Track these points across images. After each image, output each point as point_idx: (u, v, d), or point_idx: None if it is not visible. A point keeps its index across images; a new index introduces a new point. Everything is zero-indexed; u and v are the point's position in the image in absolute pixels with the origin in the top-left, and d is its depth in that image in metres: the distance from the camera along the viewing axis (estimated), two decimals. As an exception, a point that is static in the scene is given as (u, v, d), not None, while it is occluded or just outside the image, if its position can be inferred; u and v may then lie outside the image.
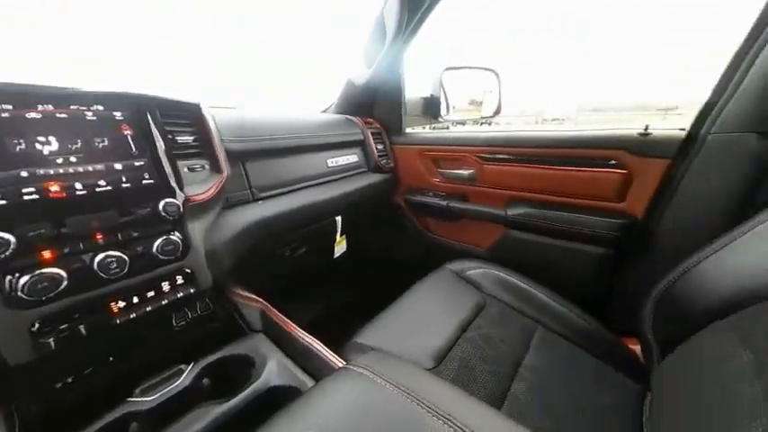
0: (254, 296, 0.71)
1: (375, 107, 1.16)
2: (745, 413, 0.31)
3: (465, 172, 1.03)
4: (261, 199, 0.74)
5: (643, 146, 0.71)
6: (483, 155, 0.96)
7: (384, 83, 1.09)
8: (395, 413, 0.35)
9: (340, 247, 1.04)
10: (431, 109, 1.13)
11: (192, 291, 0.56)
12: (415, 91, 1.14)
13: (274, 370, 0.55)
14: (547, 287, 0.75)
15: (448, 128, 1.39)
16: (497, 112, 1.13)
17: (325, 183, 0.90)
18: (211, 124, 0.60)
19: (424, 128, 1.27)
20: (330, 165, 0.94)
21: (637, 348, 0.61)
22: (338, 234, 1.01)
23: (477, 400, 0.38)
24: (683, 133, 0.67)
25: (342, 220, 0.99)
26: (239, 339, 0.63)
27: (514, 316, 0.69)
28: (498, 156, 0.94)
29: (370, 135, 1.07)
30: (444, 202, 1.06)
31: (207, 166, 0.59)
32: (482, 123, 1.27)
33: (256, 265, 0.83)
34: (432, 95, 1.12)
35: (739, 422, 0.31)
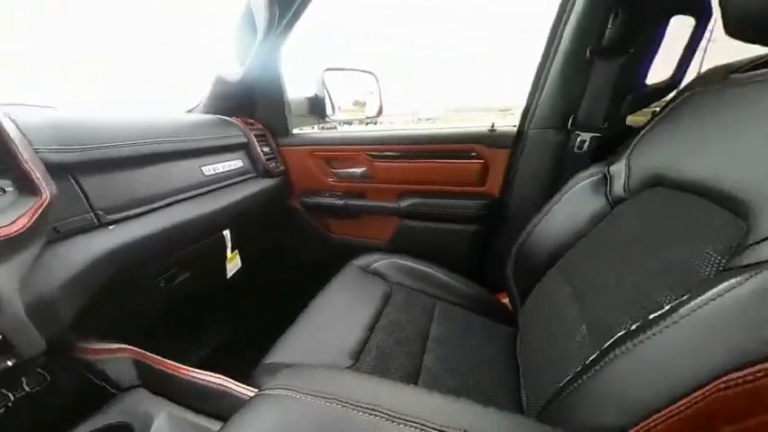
0: (119, 345, 0.56)
1: (256, 107, 1.07)
2: (569, 328, 0.44)
3: (358, 170, 1.07)
4: (111, 223, 0.57)
5: (492, 140, 0.89)
6: (373, 153, 1.02)
7: (262, 81, 1.01)
8: (321, 422, 0.34)
9: (233, 264, 0.93)
10: (317, 109, 1.11)
11: (9, 363, 0.40)
12: (299, 90, 1.11)
13: (165, 428, 0.45)
14: (439, 265, 0.86)
15: (335, 128, 1.40)
16: (380, 112, 1.21)
17: (203, 194, 0.78)
18: (8, 127, 0.43)
19: (312, 128, 1.25)
20: (208, 173, 0.81)
21: (507, 300, 0.77)
22: (229, 250, 0.89)
23: (395, 382, 0.41)
24: (515, 129, 0.87)
25: (232, 233, 0.88)
26: (107, 406, 0.49)
27: (418, 297, 0.77)
28: (386, 153, 1.01)
29: (253, 137, 0.98)
30: (341, 201, 1.08)
31: (11, 188, 0.43)
32: (368, 123, 1.34)
33: (117, 305, 0.66)
34: (316, 95, 1.11)
35: (568, 335, 0.43)
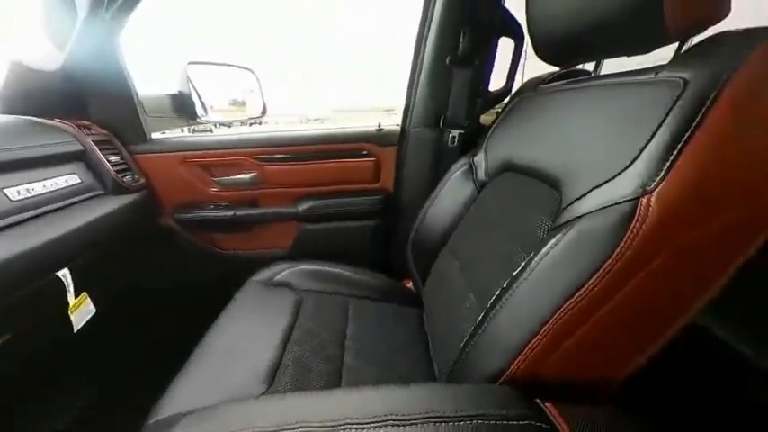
0: None
1: (90, 106, 0.84)
2: (461, 297, 0.52)
3: (246, 176, 0.97)
4: None
5: (380, 138, 0.95)
6: (262, 156, 0.94)
7: (96, 73, 0.80)
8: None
9: (82, 311, 0.71)
10: (184, 109, 0.95)
11: None
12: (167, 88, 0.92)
13: None
14: (346, 264, 0.87)
15: (211, 130, 1.23)
16: (264, 112, 1.12)
17: (12, 226, 0.56)
18: None
19: (182, 131, 1.06)
20: (15, 197, 0.59)
21: (411, 284, 0.84)
22: (71, 295, 0.67)
23: (317, 392, 0.40)
24: (399, 128, 0.96)
25: (76, 272, 0.67)
26: None
27: (330, 299, 0.76)
28: (277, 156, 0.95)
29: (92, 145, 0.77)
30: (230, 213, 0.96)
31: None
32: (251, 124, 1.23)
33: None
34: (180, 92, 0.95)
35: (460, 303, 0.51)
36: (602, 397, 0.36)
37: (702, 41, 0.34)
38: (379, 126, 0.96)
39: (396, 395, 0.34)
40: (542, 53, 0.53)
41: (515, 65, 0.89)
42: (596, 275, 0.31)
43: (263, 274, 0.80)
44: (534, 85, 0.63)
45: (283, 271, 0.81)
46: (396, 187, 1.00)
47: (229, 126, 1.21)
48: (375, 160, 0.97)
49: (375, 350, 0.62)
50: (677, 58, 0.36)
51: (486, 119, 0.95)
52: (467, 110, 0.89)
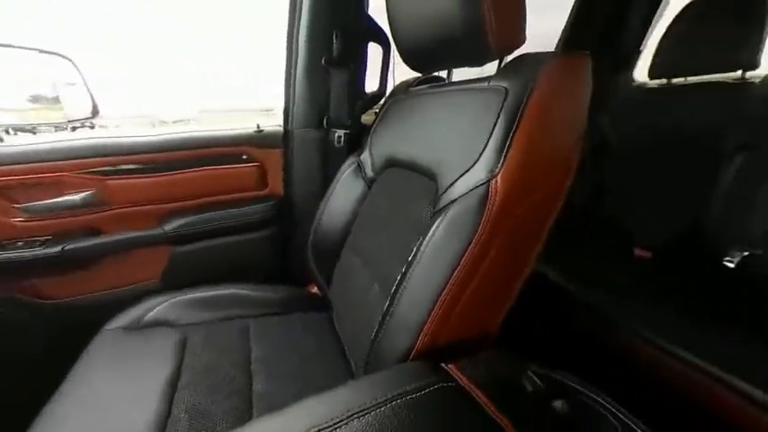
0: None
1: None
2: (366, 289, 0.54)
3: (76, 197, 0.74)
4: None
5: (261, 140, 0.88)
6: (100, 169, 0.73)
7: None
8: None
9: None
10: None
11: None
12: None
13: None
14: (240, 282, 0.78)
15: (2, 139, 0.89)
16: (95, 112, 0.87)
17: None
18: None
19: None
20: None
21: (317, 289, 0.82)
22: None
23: None
24: (281, 129, 0.91)
25: None
26: None
27: (224, 326, 0.67)
28: (124, 167, 0.76)
29: None
30: (57, 248, 0.72)
31: None
32: (75, 128, 0.93)
33: None
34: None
35: (366, 296, 0.53)
36: (487, 342, 0.45)
37: (513, 60, 0.45)
38: (259, 127, 0.89)
39: (313, 406, 0.33)
40: (407, 60, 0.60)
41: (386, 69, 0.97)
42: (470, 246, 0.37)
43: (124, 318, 0.64)
44: (405, 87, 0.70)
45: (156, 307, 0.67)
46: (286, 191, 0.95)
47: (34, 132, 0.88)
48: (259, 165, 0.89)
49: (287, 367, 0.58)
50: (500, 71, 0.46)
51: (366, 119, 1.01)
52: (348, 110, 0.92)
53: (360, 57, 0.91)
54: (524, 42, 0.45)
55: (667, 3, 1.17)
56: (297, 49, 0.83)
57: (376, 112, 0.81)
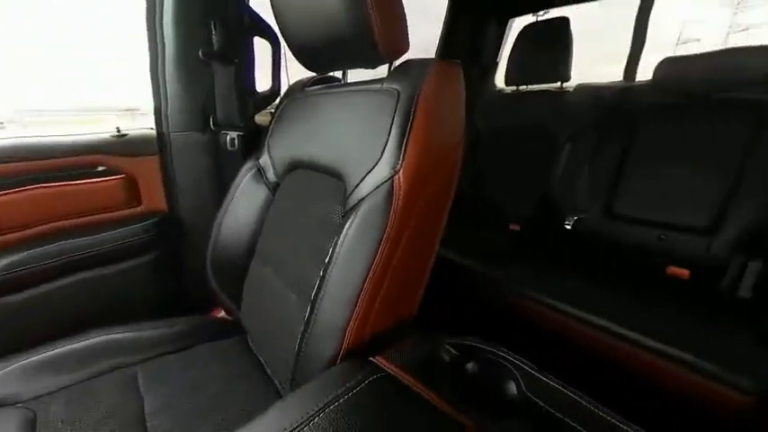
0: None
1: None
2: (282, 300, 0.51)
3: None
4: None
5: (124, 147, 0.72)
6: None
7: None
8: None
9: None
10: None
11: None
12: None
13: None
14: (113, 324, 0.62)
15: None
16: None
17: None
18: None
19: None
20: None
21: (223, 313, 0.73)
22: None
23: None
24: (154, 133, 0.76)
25: None
26: None
27: (96, 385, 0.52)
28: None
29: None
30: None
31: None
32: None
33: None
34: None
35: (282, 309, 0.50)
36: (408, 327, 0.48)
37: (401, 64, 0.49)
38: (119, 131, 0.72)
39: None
40: (300, 59, 0.58)
41: (277, 66, 0.91)
42: (383, 241, 0.39)
43: None
44: (301, 86, 0.68)
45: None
46: (170, 206, 0.80)
47: None
48: (126, 176, 0.73)
49: (195, 409, 0.50)
50: (391, 74, 0.49)
51: (261, 119, 0.93)
52: (239, 110, 0.84)
53: (245, 52, 0.83)
54: (409, 48, 0.49)
55: (512, 23, 1.48)
56: (162, 42, 0.71)
57: (271, 112, 0.76)
